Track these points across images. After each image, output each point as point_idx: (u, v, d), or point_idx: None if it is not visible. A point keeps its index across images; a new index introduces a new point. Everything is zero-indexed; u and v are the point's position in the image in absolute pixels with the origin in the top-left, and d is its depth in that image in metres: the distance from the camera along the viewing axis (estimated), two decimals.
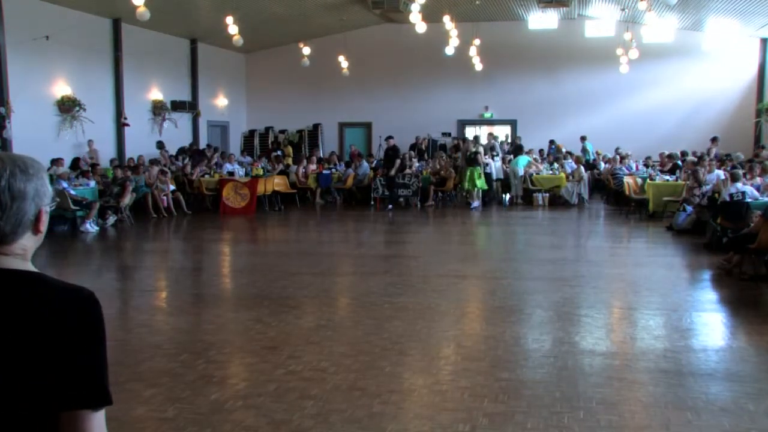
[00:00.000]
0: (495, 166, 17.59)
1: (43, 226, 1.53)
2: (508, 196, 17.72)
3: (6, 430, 1.37)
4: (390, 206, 16.24)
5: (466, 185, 16.27)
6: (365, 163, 18.22)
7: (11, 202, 1.44)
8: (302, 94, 23.10)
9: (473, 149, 16.33)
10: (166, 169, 15.49)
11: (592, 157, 19.51)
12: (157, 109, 18.79)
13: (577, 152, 19.09)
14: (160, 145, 17.98)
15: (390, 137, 17.01)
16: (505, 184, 17.86)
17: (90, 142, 15.69)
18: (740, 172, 10.83)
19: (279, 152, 20.69)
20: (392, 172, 16.35)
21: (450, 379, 4.82)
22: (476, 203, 16.17)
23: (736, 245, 8.30)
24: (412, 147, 20.66)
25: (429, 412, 4.25)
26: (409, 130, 21.75)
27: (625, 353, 5.50)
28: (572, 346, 5.58)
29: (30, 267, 1.49)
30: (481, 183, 16.16)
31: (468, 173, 16.15)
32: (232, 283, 8.79)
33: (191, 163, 16.90)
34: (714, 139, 18.21)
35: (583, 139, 20.26)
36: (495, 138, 20.43)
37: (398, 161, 16.63)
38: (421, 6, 15.00)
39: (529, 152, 18.48)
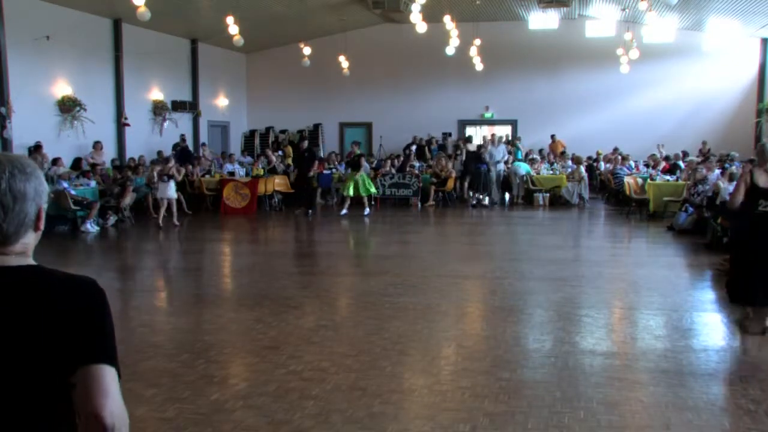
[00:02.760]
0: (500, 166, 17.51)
1: (42, 223, 1.55)
2: (508, 196, 17.71)
3: (19, 411, 1.42)
4: (309, 211, 15.16)
5: (350, 191, 15.00)
6: (366, 164, 18.22)
7: (13, 204, 1.47)
8: (302, 94, 23.10)
9: (358, 152, 15.46)
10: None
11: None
12: (158, 109, 18.79)
13: (577, 153, 19.08)
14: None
15: (304, 139, 16.19)
16: (506, 184, 17.87)
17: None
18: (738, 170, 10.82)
19: (280, 152, 20.67)
20: (310, 173, 15.50)
21: (450, 379, 4.82)
22: (344, 211, 14.99)
23: None
24: (410, 146, 20.65)
25: (429, 412, 4.25)
26: (409, 130, 21.78)
27: (625, 353, 5.50)
28: (573, 346, 5.58)
29: (31, 262, 1.52)
30: (363, 189, 15.04)
31: (351, 178, 15.14)
32: (232, 283, 8.79)
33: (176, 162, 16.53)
34: None
35: (515, 139, 20.34)
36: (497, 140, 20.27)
37: (316, 162, 15.89)
38: (421, 6, 14.99)
39: (528, 154, 18.60)
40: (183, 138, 18.66)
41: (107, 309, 1.50)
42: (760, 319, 5.90)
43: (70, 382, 1.42)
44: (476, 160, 16.82)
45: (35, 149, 13.74)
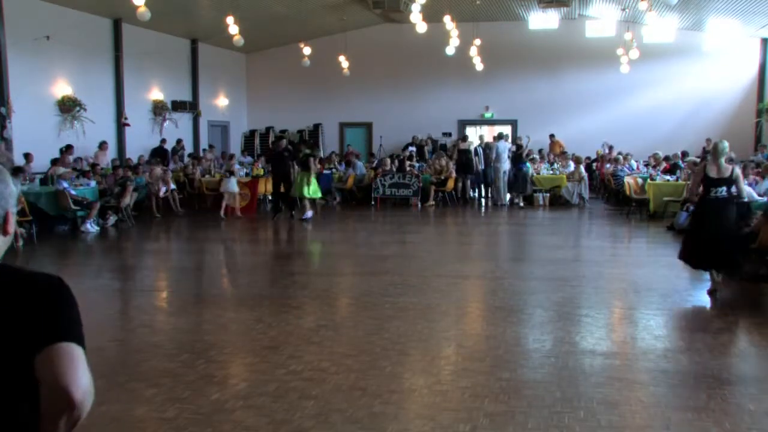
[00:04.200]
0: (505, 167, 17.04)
1: (11, 227, 1.54)
2: (508, 196, 17.71)
3: None
4: (292, 213, 14.38)
5: (303, 191, 14.18)
6: (359, 163, 18.26)
7: None
8: (302, 94, 23.11)
9: (307, 151, 14.64)
10: (167, 168, 15.52)
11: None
12: (158, 109, 18.79)
13: (577, 153, 19.06)
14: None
15: (281, 138, 15.47)
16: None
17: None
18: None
19: None
20: (293, 176, 14.51)
21: (451, 379, 4.82)
22: (308, 213, 14.26)
23: (737, 245, 8.29)
24: (408, 147, 20.65)
25: (430, 412, 4.25)
26: (409, 130, 21.78)
27: (625, 353, 5.50)
28: (573, 346, 5.58)
29: None
30: (312, 190, 14.22)
31: (299, 179, 14.19)
32: (232, 283, 8.79)
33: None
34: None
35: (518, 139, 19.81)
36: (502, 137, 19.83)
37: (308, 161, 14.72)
38: (421, 6, 15.00)
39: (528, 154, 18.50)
40: (164, 140, 18.50)
41: (73, 302, 1.50)
42: (713, 282, 7.40)
43: (35, 363, 1.41)
44: (518, 159, 16.45)
45: (66, 149, 14.01)
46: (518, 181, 16.51)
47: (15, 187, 1.55)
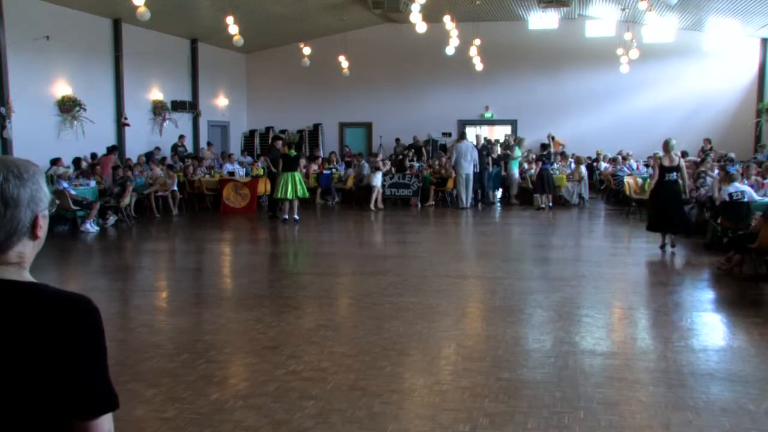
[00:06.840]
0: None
1: (41, 231, 1.47)
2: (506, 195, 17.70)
3: None
4: (285, 217, 13.78)
5: (281, 193, 13.59)
6: (365, 164, 18.22)
7: (4, 210, 1.40)
8: (302, 94, 23.10)
9: (293, 152, 13.95)
10: (172, 163, 15.56)
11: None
12: (158, 109, 18.79)
13: (577, 153, 19.05)
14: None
15: (280, 137, 14.95)
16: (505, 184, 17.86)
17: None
18: (737, 172, 10.94)
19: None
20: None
21: (450, 379, 4.82)
22: (290, 216, 13.70)
23: (737, 245, 8.31)
24: (409, 147, 20.66)
25: (429, 412, 4.25)
26: (409, 130, 21.77)
27: (625, 353, 5.50)
28: (573, 346, 5.58)
29: (26, 276, 1.44)
30: (299, 191, 13.66)
31: (283, 179, 13.55)
32: (232, 283, 8.79)
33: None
34: None
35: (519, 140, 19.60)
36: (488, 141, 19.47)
37: (302, 161, 14.36)
38: (421, 6, 15.00)
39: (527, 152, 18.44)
40: (158, 148, 18.35)
41: (101, 334, 1.42)
42: (663, 240, 10.08)
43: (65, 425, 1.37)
44: (545, 160, 16.08)
45: (112, 149, 14.91)
46: (546, 182, 15.95)
47: (48, 190, 1.48)
